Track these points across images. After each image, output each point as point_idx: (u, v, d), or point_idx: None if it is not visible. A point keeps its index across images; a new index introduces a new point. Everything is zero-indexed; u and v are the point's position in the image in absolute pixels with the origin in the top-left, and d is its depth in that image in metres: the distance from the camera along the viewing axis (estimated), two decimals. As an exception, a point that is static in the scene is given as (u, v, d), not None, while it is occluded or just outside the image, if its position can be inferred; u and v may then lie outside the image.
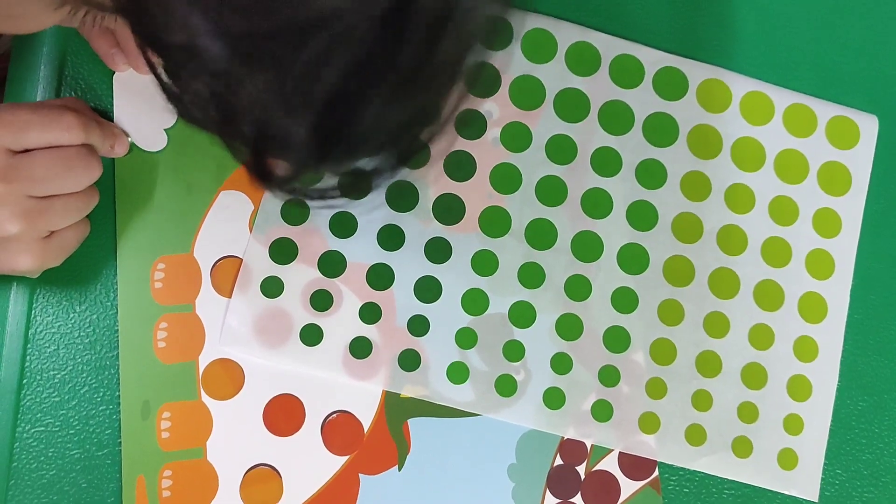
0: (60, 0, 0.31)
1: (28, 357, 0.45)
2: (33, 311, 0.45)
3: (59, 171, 0.39)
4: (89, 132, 0.41)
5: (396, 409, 0.47)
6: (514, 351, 0.48)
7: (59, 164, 0.39)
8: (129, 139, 0.46)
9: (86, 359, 0.45)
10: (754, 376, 0.50)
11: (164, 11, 0.24)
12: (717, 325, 0.50)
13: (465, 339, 0.48)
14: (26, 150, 0.39)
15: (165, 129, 0.47)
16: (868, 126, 0.53)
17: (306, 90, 0.25)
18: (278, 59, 0.24)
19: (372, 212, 0.47)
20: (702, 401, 0.50)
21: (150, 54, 0.26)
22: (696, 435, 0.49)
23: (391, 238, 0.48)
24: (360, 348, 0.47)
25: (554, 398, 0.48)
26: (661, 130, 0.51)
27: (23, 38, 0.46)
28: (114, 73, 0.46)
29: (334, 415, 0.47)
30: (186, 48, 0.24)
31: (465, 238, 0.48)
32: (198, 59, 0.25)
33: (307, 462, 0.46)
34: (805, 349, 0.51)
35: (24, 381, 0.45)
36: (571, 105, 0.50)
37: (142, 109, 0.46)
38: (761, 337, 0.51)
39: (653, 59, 0.51)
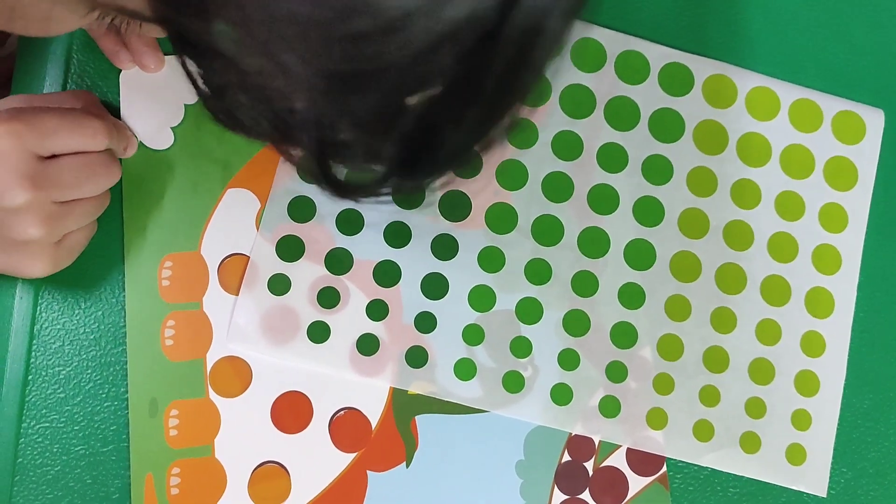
0: (90, 5, 0.31)
1: (33, 353, 0.45)
2: (38, 308, 0.45)
3: (85, 178, 0.40)
4: (111, 137, 0.41)
5: (404, 406, 0.47)
6: (521, 347, 0.48)
7: (86, 171, 0.40)
8: (137, 139, 0.46)
9: (91, 355, 0.45)
10: (762, 371, 0.50)
11: (249, 40, 0.23)
12: (724, 320, 0.50)
13: (473, 335, 0.48)
14: (53, 156, 0.39)
15: (172, 127, 0.47)
16: (874, 121, 0.53)
17: (396, 113, 0.25)
18: (371, 87, 0.24)
19: (379, 208, 0.47)
20: (709, 396, 0.49)
21: (187, 62, 0.26)
22: (703, 430, 0.49)
23: (398, 235, 0.48)
24: (368, 345, 0.47)
25: (561, 394, 0.48)
26: (666, 126, 0.50)
27: (27, 40, 0.46)
28: (120, 71, 0.46)
29: (342, 412, 0.47)
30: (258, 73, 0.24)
31: (472, 235, 0.48)
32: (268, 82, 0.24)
33: (315, 459, 0.46)
34: (813, 344, 0.51)
35: (30, 377, 0.45)
36: (577, 101, 0.50)
37: (148, 107, 0.46)
38: (768, 332, 0.50)
39: (658, 55, 0.51)
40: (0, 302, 0.45)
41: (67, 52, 0.46)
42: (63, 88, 0.46)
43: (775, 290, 0.51)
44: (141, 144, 0.46)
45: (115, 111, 0.46)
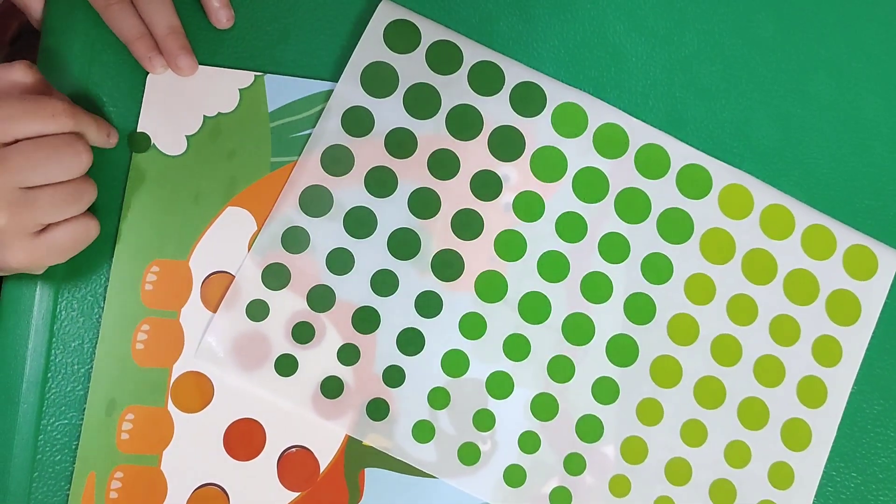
0: None
1: (53, 351, 0.45)
2: (58, 306, 0.46)
3: (46, 159, 0.39)
4: (78, 119, 0.40)
5: (356, 456, 0.47)
6: (484, 420, 0.48)
7: (45, 151, 0.39)
8: (152, 142, 0.47)
9: None
10: (723, 494, 0.49)
11: None
12: (694, 433, 0.49)
13: (438, 398, 0.47)
14: (15, 141, 0.39)
15: (187, 136, 0.47)
16: (888, 261, 0.51)
17: None
18: None
19: (372, 252, 0.47)
20: (664, 508, 0.48)
21: None
22: (651, 541, 0.48)
23: (385, 283, 0.47)
24: (332, 388, 0.47)
25: (515, 475, 0.47)
26: (675, 226, 0.50)
27: (51, 36, 0.47)
28: (147, 74, 0.47)
29: (293, 449, 0.46)
30: None
31: (459, 297, 0.48)
32: None
33: (258, 491, 0.46)
34: (781, 476, 0.49)
35: (49, 374, 0.45)
36: (590, 185, 0.49)
37: (168, 113, 0.47)
38: (737, 454, 0.49)
39: (681, 154, 0.50)
40: (20, 300, 0.45)
41: (90, 54, 0.47)
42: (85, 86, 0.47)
43: (753, 414, 0.50)
44: (153, 147, 0.47)
45: (126, 115, 0.47)
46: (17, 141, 0.39)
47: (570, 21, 0.51)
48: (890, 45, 0.53)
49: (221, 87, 0.48)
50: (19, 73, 0.41)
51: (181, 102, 0.47)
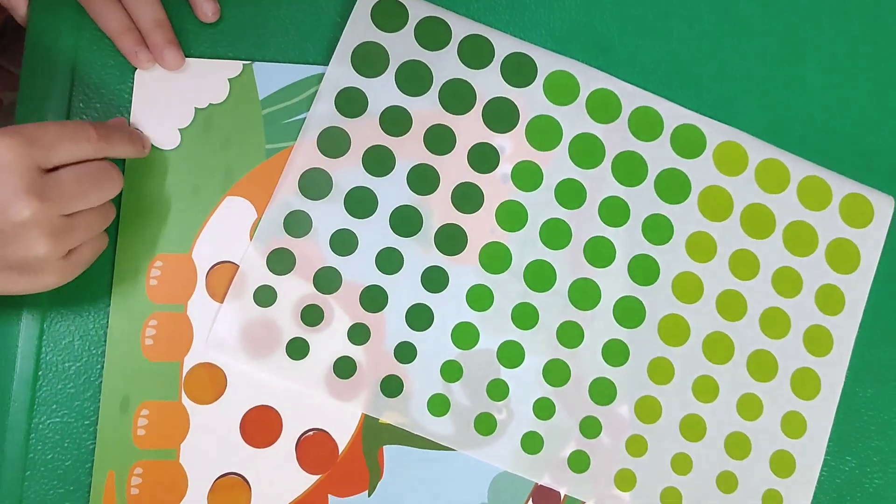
0: None
1: (43, 349, 0.45)
2: (48, 304, 0.46)
3: (89, 186, 0.39)
4: (112, 143, 0.41)
5: (373, 434, 0.47)
6: (498, 390, 0.48)
7: (89, 179, 0.39)
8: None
9: (100, 350, 0.46)
10: (738, 446, 0.50)
11: None
12: (706, 389, 0.50)
13: (451, 371, 0.48)
14: (54, 169, 0.39)
15: (180, 129, 0.47)
16: (883, 207, 0.52)
17: None
18: None
19: (374, 232, 0.47)
20: (681, 464, 0.49)
21: None
22: (671, 498, 0.49)
23: (389, 261, 0.48)
24: (345, 368, 0.47)
25: (532, 442, 0.48)
26: (673, 187, 0.50)
27: (35, 39, 0.47)
28: (134, 70, 0.46)
29: (311, 432, 0.46)
30: None
31: (464, 270, 0.48)
32: None
33: (278, 476, 0.46)
34: (793, 425, 0.50)
35: (40, 372, 0.45)
36: (586, 150, 0.50)
37: (159, 107, 0.47)
38: (750, 407, 0.50)
39: (673, 115, 0.51)
40: (10, 298, 0.45)
41: (73, 54, 0.47)
42: (70, 91, 0.46)
43: (762, 366, 0.50)
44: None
45: (115, 112, 0.46)
46: (55, 168, 0.39)
47: (558, 9, 0.51)
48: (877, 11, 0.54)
49: (211, 78, 0.47)
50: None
51: (171, 96, 0.47)
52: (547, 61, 0.50)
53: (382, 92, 0.48)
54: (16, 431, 0.45)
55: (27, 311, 0.45)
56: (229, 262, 0.47)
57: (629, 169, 0.50)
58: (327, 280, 0.47)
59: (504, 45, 0.49)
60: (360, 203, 0.48)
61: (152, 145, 0.47)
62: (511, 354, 0.48)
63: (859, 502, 0.51)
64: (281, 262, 0.47)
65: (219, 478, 0.45)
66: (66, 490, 0.45)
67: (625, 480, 0.48)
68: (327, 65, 0.48)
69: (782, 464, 0.50)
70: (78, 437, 0.45)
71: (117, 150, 0.42)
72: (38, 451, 0.45)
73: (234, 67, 0.48)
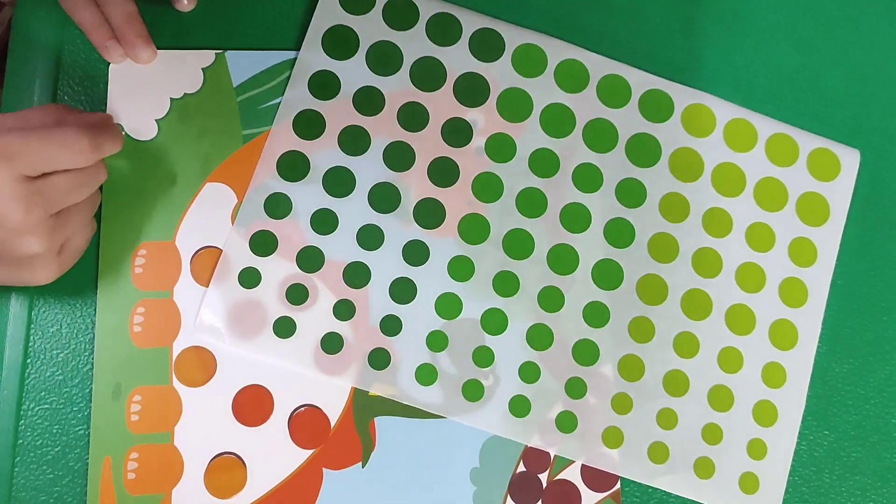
0: None
1: (31, 337, 0.46)
2: (35, 292, 0.46)
3: (75, 189, 0.40)
4: (102, 149, 0.41)
5: (364, 407, 0.48)
6: (483, 357, 0.49)
7: (75, 181, 0.40)
8: (123, 130, 0.47)
9: (88, 337, 0.46)
10: (721, 399, 0.51)
11: None
12: (686, 345, 0.51)
13: (437, 341, 0.48)
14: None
15: (156, 120, 0.48)
16: (849, 160, 0.53)
17: None
18: None
19: (353, 210, 0.48)
20: (667, 419, 0.50)
21: None
22: (658, 452, 0.50)
23: (370, 238, 0.48)
24: (332, 344, 0.48)
25: (520, 406, 0.49)
26: (643, 151, 0.51)
27: (19, 31, 0.47)
28: (108, 67, 0.47)
29: (302, 408, 0.47)
30: None
31: (444, 242, 0.49)
32: None
33: (272, 453, 0.47)
34: (773, 375, 0.51)
35: (28, 360, 0.46)
36: (557, 120, 0.51)
37: (135, 99, 0.48)
38: (730, 360, 0.51)
39: (640, 81, 0.52)
40: None
41: (58, 47, 0.47)
42: (55, 82, 0.47)
43: (740, 319, 0.51)
44: (124, 135, 0.47)
45: (97, 106, 0.47)
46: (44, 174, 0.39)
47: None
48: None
49: (184, 69, 0.48)
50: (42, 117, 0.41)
51: (146, 87, 0.48)
52: (514, 35, 0.51)
53: (354, 73, 0.49)
54: (5, 419, 0.45)
55: (15, 301, 0.46)
56: (212, 246, 0.47)
57: (600, 136, 0.51)
58: (310, 259, 0.48)
59: (471, 21, 0.50)
60: (339, 182, 0.48)
61: (132, 138, 0.47)
62: (495, 322, 0.49)
63: (839, 475, 0.52)
64: (263, 243, 0.48)
65: (214, 458, 0.46)
66: (56, 475, 0.45)
67: (612, 438, 0.49)
68: (299, 50, 0.49)
69: (765, 413, 0.51)
70: (67, 424, 0.45)
71: (105, 153, 0.42)
72: (27, 437, 0.45)
73: (206, 57, 0.49)
